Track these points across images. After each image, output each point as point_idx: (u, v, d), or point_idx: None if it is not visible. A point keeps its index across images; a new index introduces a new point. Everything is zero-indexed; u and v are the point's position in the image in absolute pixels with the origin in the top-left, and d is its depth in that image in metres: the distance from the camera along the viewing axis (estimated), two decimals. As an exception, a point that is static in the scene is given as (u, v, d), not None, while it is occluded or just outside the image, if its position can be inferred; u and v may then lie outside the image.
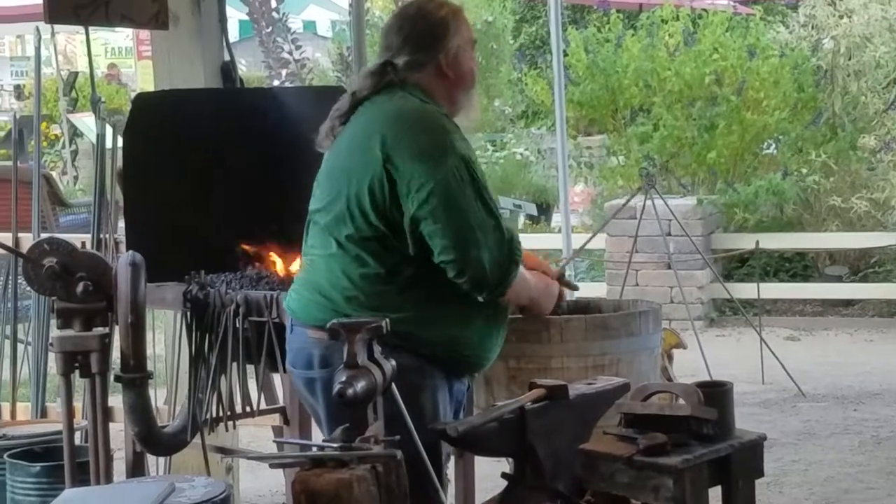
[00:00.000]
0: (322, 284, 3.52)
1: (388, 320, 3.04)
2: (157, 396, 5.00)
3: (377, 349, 3.00)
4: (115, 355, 4.05)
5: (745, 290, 9.30)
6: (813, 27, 11.00)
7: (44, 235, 4.93)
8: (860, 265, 10.31)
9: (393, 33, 3.63)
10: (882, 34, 10.69)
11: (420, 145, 3.44)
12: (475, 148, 3.83)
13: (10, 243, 5.63)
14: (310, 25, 17.53)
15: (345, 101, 3.66)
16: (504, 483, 3.54)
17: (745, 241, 9.57)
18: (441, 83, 3.63)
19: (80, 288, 3.94)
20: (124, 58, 23.23)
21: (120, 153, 4.92)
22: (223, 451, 4.88)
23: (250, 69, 14.40)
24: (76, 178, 15.92)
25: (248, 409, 4.43)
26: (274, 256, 4.63)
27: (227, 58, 5.39)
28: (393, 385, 3.04)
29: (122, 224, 4.95)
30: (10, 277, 5.86)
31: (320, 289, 3.53)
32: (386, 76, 3.58)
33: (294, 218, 4.84)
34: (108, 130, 5.52)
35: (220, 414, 4.34)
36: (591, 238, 8.51)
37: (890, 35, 10.72)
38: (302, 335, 3.56)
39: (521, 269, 3.53)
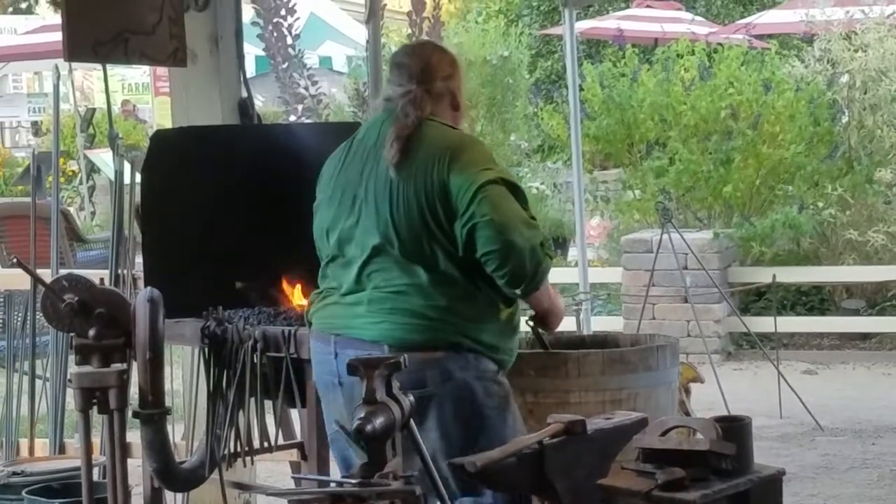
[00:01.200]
0: (419, 309, 3.72)
1: (405, 357, 3.05)
2: (175, 432, 5.02)
3: (395, 384, 3.01)
4: (133, 391, 4.05)
5: (762, 324, 9.28)
6: (828, 61, 11.01)
7: (62, 272, 4.94)
8: (877, 298, 10.28)
9: (416, 65, 3.88)
10: (897, 68, 10.70)
11: (470, 158, 3.75)
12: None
13: (28, 279, 5.65)
14: (326, 61, 17.60)
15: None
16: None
17: (762, 275, 9.56)
18: (451, 115, 3.95)
19: (92, 332, 3.95)
20: (141, 94, 23.35)
21: (138, 189, 4.95)
22: (241, 486, 4.88)
23: (267, 105, 14.44)
24: (93, 213, 15.98)
25: (265, 444, 4.43)
26: (297, 291, 4.65)
27: (244, 94, 5.42)
28: (412, 421, 3.04)
29: (139, 260, 4.98)
30: (29, 313, 5.88)
31: (418, 313, 3.72)
32: None
33: (313, 251, 4.87)
34: (126, 167, 5.55)
35: (238, 449, 4.35)
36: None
37: (906, 69, 10.73)
38: (409, 359, 3.56)
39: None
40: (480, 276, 3.74)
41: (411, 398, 3.06)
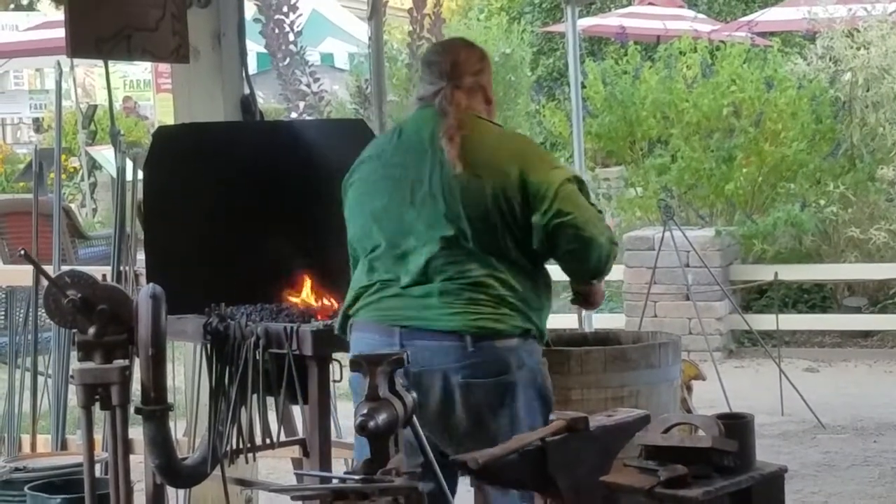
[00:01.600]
0: (496, 298, 3.80)
1: (408, 353, 3.05)
2: (178, 428, 5.01)
3: (398, 382, 3.00)
4: (136, 387, 4.06)
5: (763, 322, 9.28)
6: (831, 59, 11.01)
7: (65, 268, 4.95)
8: (879, 296, 10.27)
9: (445, 62, 3.96)
10: (900, 65, 10.70)
11: (540, 156, 3.97)
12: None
13: (30, 276, 5.66)
14: (327, 58, 17.58)
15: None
16: (524, 515, 3.54)
17: (764, 273, 9.56)
18: (486, 109, 4.02)
19: (92, 330, 3.95)
20: (142, 90, 23.36)
21: (140, 186, 4.95)
22: (243, 483, 4.89)
23: (269, 102, 14.44)
24: (94, 210, 15.99)
25: (267, 441, 4.44)
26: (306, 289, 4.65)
27: (246, 91, 5.42)
28: (414, 417, 3.05)
29: (141, 256, 4.98)
30: (31, 310, 5.88)
31: (496, 302, 3.79)
32: None
33: (315, 248, 4.88)
34: (128, 163, 5.56)
35: (240, 446, 4.35)
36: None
37: (908, 66, 10.72)
38: (489, 348, 3.77)
39: None
40: (542, 266, 3.93)
41: (414, 395, 3.06)
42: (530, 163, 3.85)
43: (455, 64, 3.96)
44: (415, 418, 3.04)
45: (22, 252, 4.24)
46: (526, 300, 3.85)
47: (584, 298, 4.19)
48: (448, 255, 3.81)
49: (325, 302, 4.63)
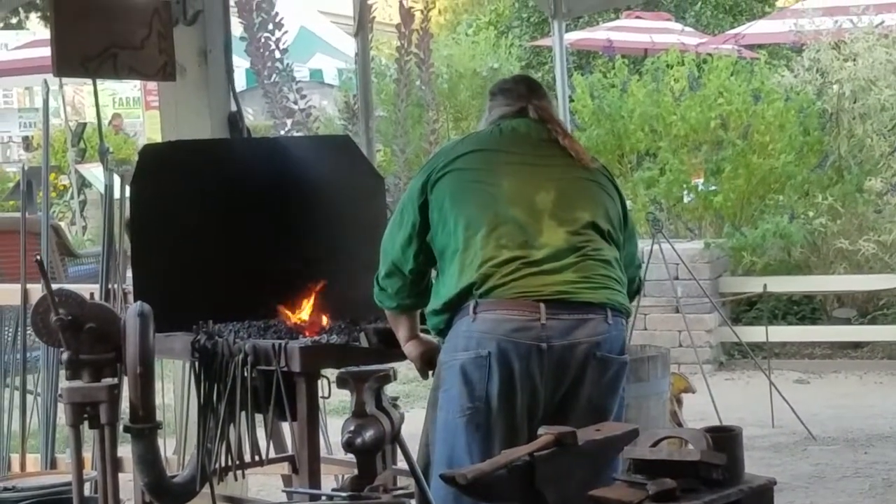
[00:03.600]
0: (622, 280, 4.10)
1: (394, 369, 3.06)
2: (167, 446, 5.00)
3: (384, 398, 3.01)
4: (124, 406, 4.05)
5: (753, 334, 9.29)
6: (818, 71, 11.04)
7: (53, 286, 4.93)
8: (868, 307, 10.29)
9: (521, 86, 4.36)
10: (887, 77, 10.72)
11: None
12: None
13: (18, 294, 5.65)
14: (316, 74, 17.60)
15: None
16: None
17: (753, 285, 9.57)
18: None
19: (66, 355, 3.93)
20: (132, 108, 23.34)
21: (128, 203, 4.95)
22: (232, 500, 4.87)
23: (257, 118, 14.44)
24: (84, 228, 15.96)
25: (256, 458, 4.43)
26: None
27: (233, 108, 5.42)
28: (401, 434, 3.05)
29: (130, 274, 4.97)
30: (20, 328, 5.87)
31: (622, 284, 4.09)
32: None
33: (304, 263, 4.88)
34: (117, 181, 5.55)
35: (229, 463, 4.34)
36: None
37: (895, 78, 10.75)
38: (620, 324, 4.02)
39: None
40: None
41: (402, 411, 3.06)
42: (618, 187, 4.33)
43: (531, 87, 4.36)
44: (401, 436, 3.05)
45: (37, 259, 4.24)
46: (626, 287, 4.14)
47: None
48: (583, 235, 4.04)
49: (314, 318, 4.63)
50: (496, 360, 3.90)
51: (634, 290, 4.31)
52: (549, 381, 3.94)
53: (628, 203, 10.76)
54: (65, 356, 4.00)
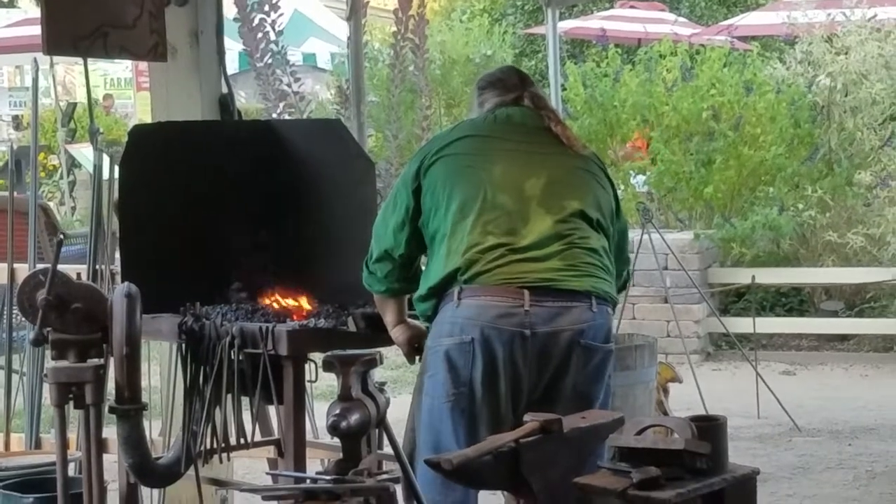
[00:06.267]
0: (609, 268, 4.09)
1: (381, 353, 3.06)
2: (152, 428, 5.00)
3: (370, 382, 3.01)
4: (110, 387, 4.04)
5: (741, 325, 9.31)
6: (809, 63, 11.04)
7: (40, 266, 4.93)
8: (856, 300, 10.31)
9: (513, 77, 4.35)
10: (878, 71, 10.73)
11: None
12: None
13: (5, 274, 5.64)
14: (310, 58, 17.55)
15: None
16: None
17: (742, 276, 9.59)
18: None
19: (47, 331, 3.92)
20: (123, 89, 23.26)
21: (117, 184, 4.93)
22: (217, 483, 4.87)
23: (249, 101, 14.41)
24: (73, 208, 15.92)
25: (242, 441, 4.43)
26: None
27: (224, 90, 5.40)
28: (387, 418, 3.05)
29: (118, 255, 4.96)
30: (6, 308, 5.85)
31: (609, 272, 4.08)
32: None
33: (293, 247, 4.87)
34: (106, 161, 5.53)
35: (215, 446, 4.33)
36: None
37: (886, 72, 10.75)
38: (605, 312, 4.00)
39: None
40: None
41: (387, 395, 3.06)
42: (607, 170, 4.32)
43: (522, 77, 4.35)
44: (387, 420, 3.05)
45: (60, 237, 4.25)
46: (614, 276, 4.13)
47: None
48: (570, 223, 4.03)
49: (301, 302, 4.62)
50: (479, 346, 3.91)
51: (621, 285, 4.29)
52: (533, 368, 3.95)
53: (619, 193, 10.86)
54: (32, 334, 3.99)
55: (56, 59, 12.80)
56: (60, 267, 4.00)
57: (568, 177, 4.13)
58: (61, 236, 4.32)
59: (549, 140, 4.18)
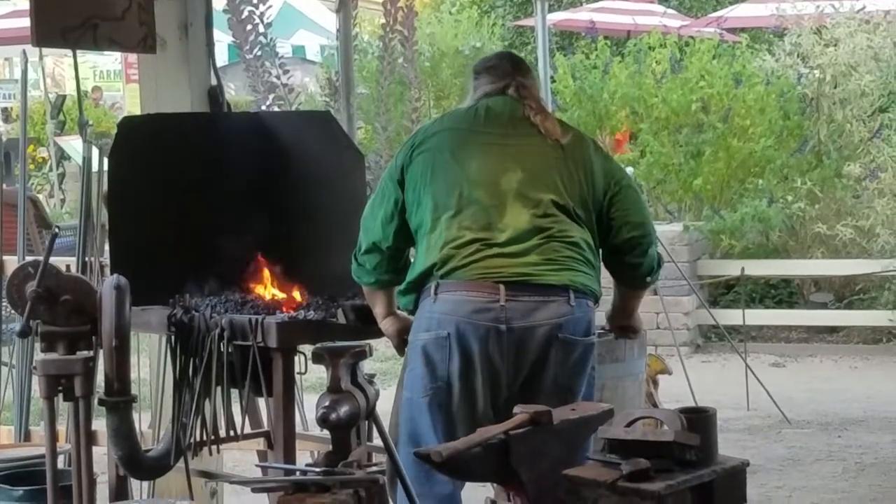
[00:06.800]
0: (591, 260, 4.05)
1: (370, 345, 3.06)
2: (142, 420, 5.00)
3: (360, 374, 3.01)
4: (100, 379, 4.04)
5: (730, 317, 9.33)
6: (799, 56, 11.06)
7: (29, 258, 4.92)
8: (845, 292, 10.33)
9: (506, 64, 4.32)
10: (867, 63, 10.75)
11: (607, 152, 4.36)
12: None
13: (-5, 266, 5.63)
14: (299, 50, 17.54)
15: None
16: (488, 508, 3.54)
17: (731, 268, 9.60)
18: None
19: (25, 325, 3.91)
20: (113, 81, 23.23)
21: (106, 176, 4.92)
22: (207, 475, 4.87)
23: (239, 93, 14.39)
24: (63, 200, 15.88)
25: (232, 433, 4.42)
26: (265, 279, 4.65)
27: (214, 82, 5.39)
28: (376, 410, 3.05)
29: (107, 247, 4.95)
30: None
31: (591, 266, 4.05)
32: None
33: (282, 239, 4.87)
34: (95, 153, 5.52)
35: (204, 438, 4.33)
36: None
37: (875, 64, 10.77)
38: (585, 305, 3.96)
39: None
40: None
41: (376, 387, 3.06)
42: (604, 154, 4.25)
43: (515, 64, 4.33)
44: (377, 412, 3.05)
45: (55, 231, 4.24)
46: (598, 269, 4.09)
47: (625, 328, 4.41)
48: (549, 216, 4.00)
49: (291, 293, 4.62)
50: (455, 341, 3.92)
51: (647, 267, 4.18)
52: (510, 363, 3.94)
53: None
54: (40, 328, 3.98)
55: (45, 51, 12.76)
56: (50, 259, 3.98)
57: (545, 168, 4.08)
58: (56, 230, 4.31)
59: (529, 130, 4.15)
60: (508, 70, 4.29)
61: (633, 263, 4.17)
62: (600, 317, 4.25)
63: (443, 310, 3.95)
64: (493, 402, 3.95)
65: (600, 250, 4.15)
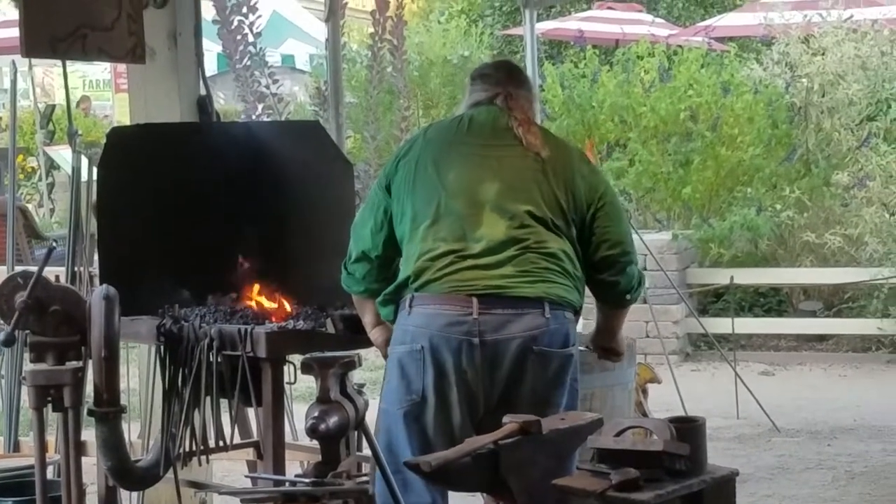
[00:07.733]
0: (570, 271, 4.01)
1: (359, 355, 3.06)
2: (131, 430, 4.99)
3: (349, 384, 3.01)
4: (89, 389, 4.03)
5: (719, 325, 9.33)
6: (787, 64, 11.09)
7: (18, 268, 4.91)
8: (834, 300, 10.35)
9: (500, 73, 4.29)
10: (855, 72, 10.78)
11: (593, 165, 4.33)
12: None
13: (-17, 276, 5.61)
14: (288, 59, 17.54)
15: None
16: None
17: (720, 276, 9.61)
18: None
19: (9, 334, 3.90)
20: (102, 91, 23.20)
21: (95, 186, 4.92)
22: (196, 485, 4.87)
23: (228, 103, 14.38)
24: (52, 210, 15.86)
25: (221, 443, 4.42)
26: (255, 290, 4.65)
27: (203, 92, 5.39)
28: (365, 420, 3.05)
29: (97, 257, 4.94)
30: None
31: (570, 276, 4.01)
32: None
33: (271, 249, 4.87)
34: (84, 163, 5.52)
35: (194, 448, 4.33)
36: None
37: (862, 73, 10.81)
38: (561, 317, 3.94)
39: None
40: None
41: (366, 398, 3.07)
42: (589, 167, 4.21)
43: (510, 73, 4.31)
44: (366, 422, 3.05)
45: (52, 245, 4.23)
46: (580, 280, 4.06)
47: (608, 351, 4.39)
48: (526, 227, 3.97)
49: (280, 303, 4.62)
50: (429, 355, 3.91)
51: (626, 283, 4.13)
52: (485, 376, 3.92)
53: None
54: (29, 339, 3.98)
55: (34, 61, 12.75)
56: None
57: (523, 180, 4.04)
58: (53, 244, 4.31)
59: (510, 141, 4.11)
60: (502, 79, 4.27)
61: (610, 282, 4.12)
62: (590, 325, 4.25)
63: (417, 323, 3.94)
64: (471, 415, 3.94)
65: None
